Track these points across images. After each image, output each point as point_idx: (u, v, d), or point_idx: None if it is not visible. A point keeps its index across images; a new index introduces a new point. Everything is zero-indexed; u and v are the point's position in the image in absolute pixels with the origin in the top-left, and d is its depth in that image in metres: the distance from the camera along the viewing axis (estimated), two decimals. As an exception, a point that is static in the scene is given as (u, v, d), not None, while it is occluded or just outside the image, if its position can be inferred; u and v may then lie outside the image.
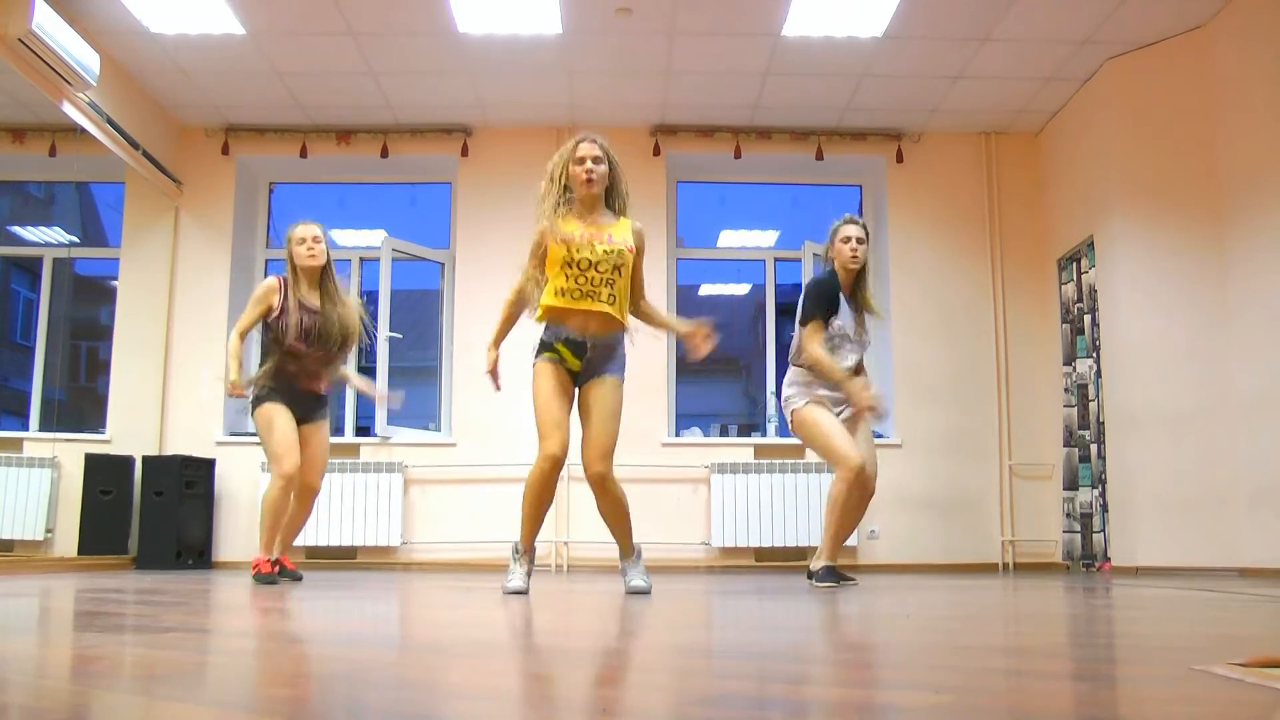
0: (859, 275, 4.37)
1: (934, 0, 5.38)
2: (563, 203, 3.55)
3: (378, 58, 5.98)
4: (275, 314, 4.32)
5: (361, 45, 5.83)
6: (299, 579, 4.46)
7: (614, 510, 3.57)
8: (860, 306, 4.37)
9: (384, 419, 6.57)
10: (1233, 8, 5.41)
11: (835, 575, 4.26)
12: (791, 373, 4.38)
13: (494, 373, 3.72)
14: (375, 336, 4.71)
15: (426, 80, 6.28)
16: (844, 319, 4.29)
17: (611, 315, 3.48)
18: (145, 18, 5.52)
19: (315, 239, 4.40)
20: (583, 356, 3.50)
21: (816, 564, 4.31)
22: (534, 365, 3.57)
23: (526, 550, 3.62)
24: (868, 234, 4.39)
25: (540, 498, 3.56)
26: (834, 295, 4.29)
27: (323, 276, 4.43)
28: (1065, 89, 6.33)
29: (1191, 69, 5.69)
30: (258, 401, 4.37)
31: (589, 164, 3.51)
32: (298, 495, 4.42)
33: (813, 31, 5.68)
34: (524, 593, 3.51)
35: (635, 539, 3.66)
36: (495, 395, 6.50)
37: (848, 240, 4.29)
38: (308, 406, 4.43)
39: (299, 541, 6.28)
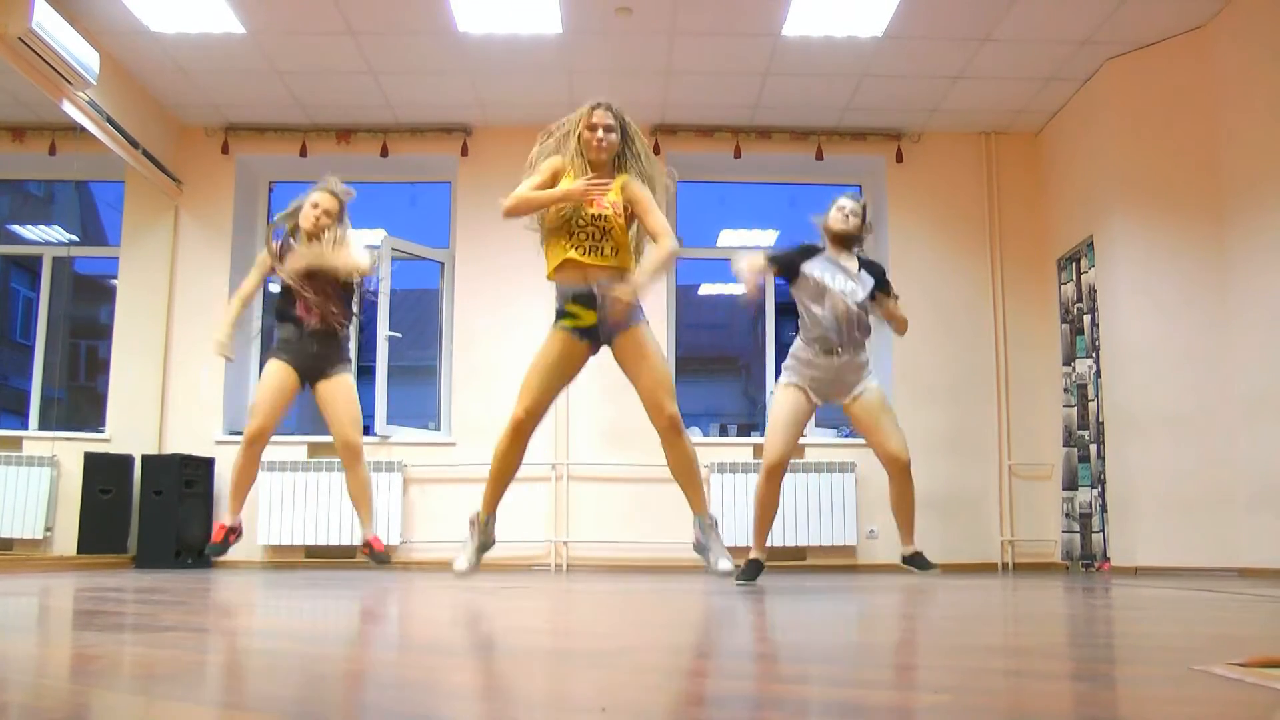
0: (853, 246, 4.46)
1: (934, 0, 5.38)
2: (575, 155, 3.58)
3: (377, 57, 5.98)
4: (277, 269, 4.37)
5: (361, 45, 5.83)
6: (384, 562, 4.32)
7: (687, 459, 3.52)
8: (865, 268, 4.48)
9: (383, 418, 6.57)
10: (1233, 8, 5.41)
11: (755, 569, 4.39)
12: (793, 345, 4.53)
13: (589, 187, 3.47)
14: (375, 280, 4.64)
15: (426, 80, 6.28)
16: (832, 278, 4.40)
17: (614, 268, 3.53)
18: (145, 17, 5.52)
19: (327, 212, 4.43)
20: (596, 307, 3.50)
21: (907, 550, 4.56)
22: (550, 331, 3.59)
23: (484, 520, 3.62)
24: (865, 217, 4.48)
25: (502, 461, 3.59)
26: (800, 255, 4.46)
27: (321, 236, 4.45)
28: (1065, 89, 6.33)
29: (1192, 69, 5.69)
30: (266, 357, 4.43)
31: (600, 132, 3.56)
32: (342, 460, 4.39)
33: (813, 31, 5.68)
34: (467, 574, 3.52)
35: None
36: (495, 395, 6.54)
37: (841, 208, 4.47)
38: (320, 361, 4.35)
39: (298, 540, 6.30)
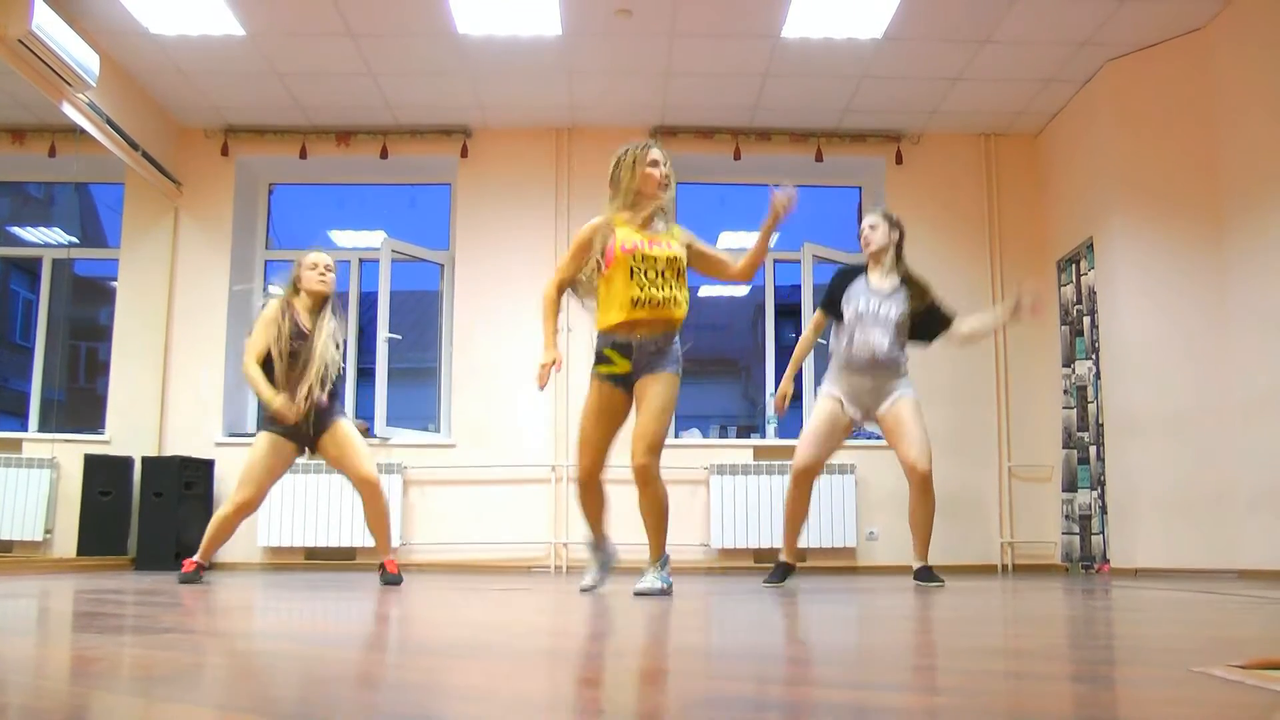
0: (898, 258, 4.46)
1: (934, 1, 5.38)
2: (624, 207, 3.60)
3: (377, 59, 5.98)
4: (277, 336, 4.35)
5: (361, 46, 5.83)
6: (397, 583, 4.32)
7: (652, 507, 3.56)
8: (905, 284, 4.48)
9: (383, 420, 6.57)
10: (1232, 10, 5.42)
11: (784, 572, 4.42)
12: (831, 347, 4.60)
13: (545, 373, 3.53)
14: (344, 368, 4.63)
15: (426, 81, 6.28)
16: (864, 302, 4.43)
17: (670, 319, 3.53)
18: (145, 18, 5.52)
19: (328, 267, 4.46)
20: (630, 357, 3.53)
21: (916, 564, 4.49)
22: (590, 378, 3.63)
23: (595, 544, 3.74)
24: (892, 222, 4.52)
25: (586, 507, 3.70)
26: (837, 286, 4.53)
27: (324, 303, 4.46)
28: (1065, 90, 6.33)
29: (1191, 71, 5.69)
30: (260, 425, 4.43)
31: (665, 167, 3.58)
32: (361, 495, 4.40)
33: (812, 33, 5.68)
34: (592, 589, 3.67)
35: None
36: (494, 396, 6.55)
37: (863, 230, 4.56)
38: (313, 425, 4.37)
39: (298, 542, 6.31)
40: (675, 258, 3.52)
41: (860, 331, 4.39)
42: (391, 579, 4.35)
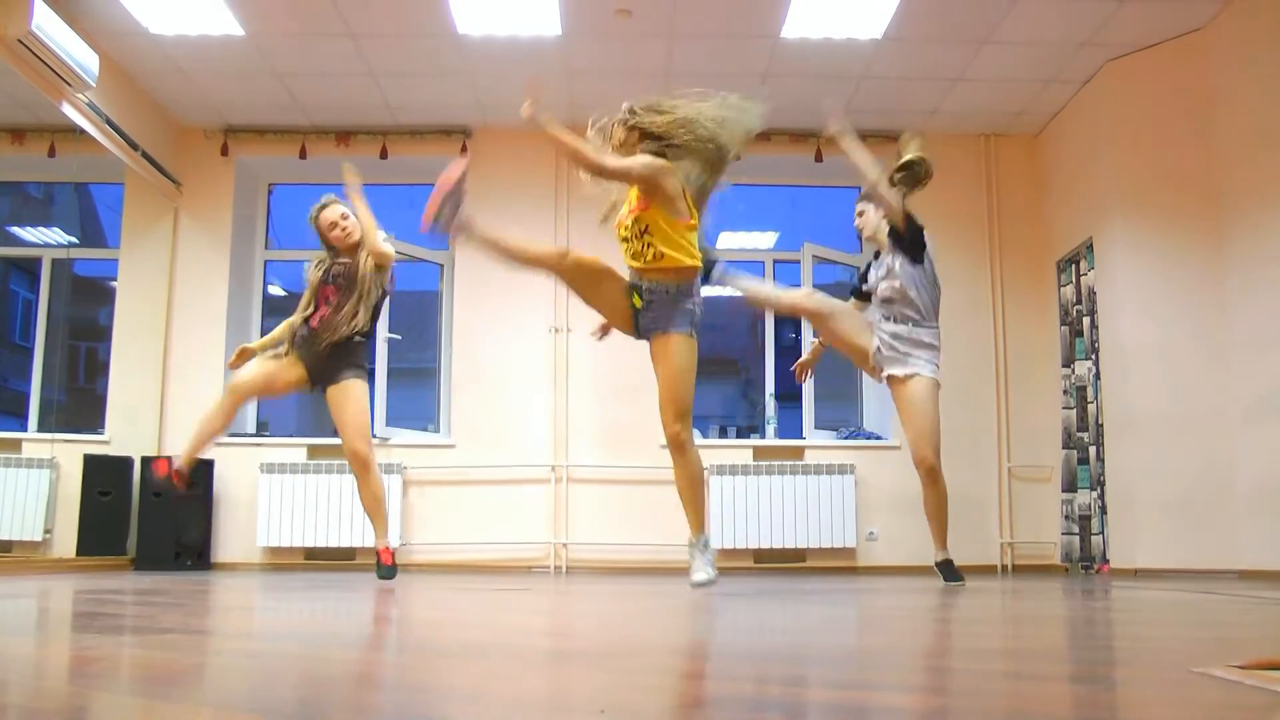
0: (908, 223, 4.50)
1: (934, 2, 5.38)
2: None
3: (377, 59, 5.98)
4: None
5: (361, 46, 5.83)
6: (389, 576, 4.23)
7: (688, 478, 3.57)
8: (905, 244, 4.50)
9: (383, 420, 6.56)
10: (1231, 10, 5.42)
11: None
12: None
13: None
14: (390, 288, 4.64)
15: (426, 81, 6.28)
16: (880, 273, 4.58)
17: (663, 269, 3.58)
18: (145, 19, 5.52)
19: (344, 216, 4.50)
20: (643, 297, 3.61)
21: (938, 556, 4.50)
22: None
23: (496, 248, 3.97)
24: (870, 196, 4.61)
25: (530, 248, 3.83)
26: (861, 276, 4.75)
27: (359, 247, 4.52)
28: (1065, 91, 6.33)
29: (1190, 71, 5.70)
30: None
31: (612, 129, 3.70)
32: (352, 468, 4.37)
33: (812, 33, 5.68)
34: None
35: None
36: (494, 396, 6.54)
37: (855, 223, 4.70)
38: (331, 366, 4.35)
39: (297, 542, 6.30)
40: (637, 217, 3.60)
41: (876, 295, 4.55)
42: (386, 571, 4.27)
